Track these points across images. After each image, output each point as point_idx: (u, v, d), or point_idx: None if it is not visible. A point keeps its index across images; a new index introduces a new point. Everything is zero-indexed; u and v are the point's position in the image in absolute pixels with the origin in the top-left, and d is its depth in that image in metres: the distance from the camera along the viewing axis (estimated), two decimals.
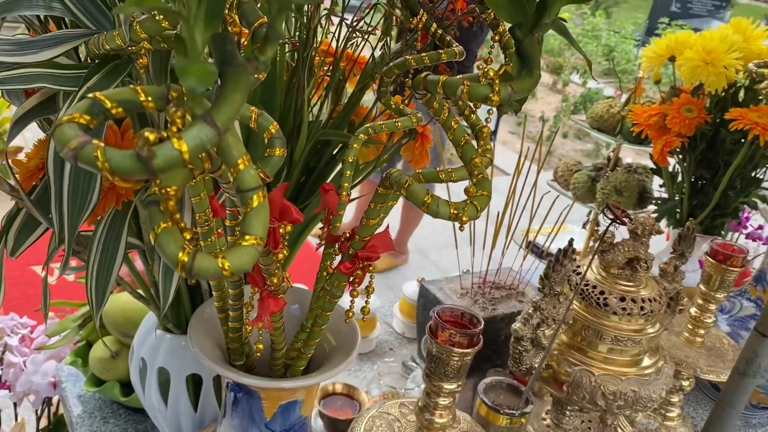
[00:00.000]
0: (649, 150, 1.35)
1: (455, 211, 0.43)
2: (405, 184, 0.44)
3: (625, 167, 1.49)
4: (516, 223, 1.21)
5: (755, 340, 0.88)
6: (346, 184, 0.60)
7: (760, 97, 1.16)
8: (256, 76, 0.30)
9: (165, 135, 0.26)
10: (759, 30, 1.28)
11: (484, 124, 0.49)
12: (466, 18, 0.76)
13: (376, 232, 0.55)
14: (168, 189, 0.29)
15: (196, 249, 0.29)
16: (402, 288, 1.33)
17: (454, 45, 0.69)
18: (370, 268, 0.52)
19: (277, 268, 0.46)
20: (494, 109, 0.46)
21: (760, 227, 1.44)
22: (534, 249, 1.43)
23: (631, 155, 4.44)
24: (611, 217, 0.71)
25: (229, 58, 0.28)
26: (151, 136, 0.26)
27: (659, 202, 1.38)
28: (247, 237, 0.30)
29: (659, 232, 0.91)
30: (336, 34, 0.76)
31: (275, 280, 0.46)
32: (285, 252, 0.45)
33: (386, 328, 1.33)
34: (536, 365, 0.87)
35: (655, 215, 1.38)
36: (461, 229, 0.44)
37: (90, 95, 0.27)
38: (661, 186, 1.42)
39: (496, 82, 0.40)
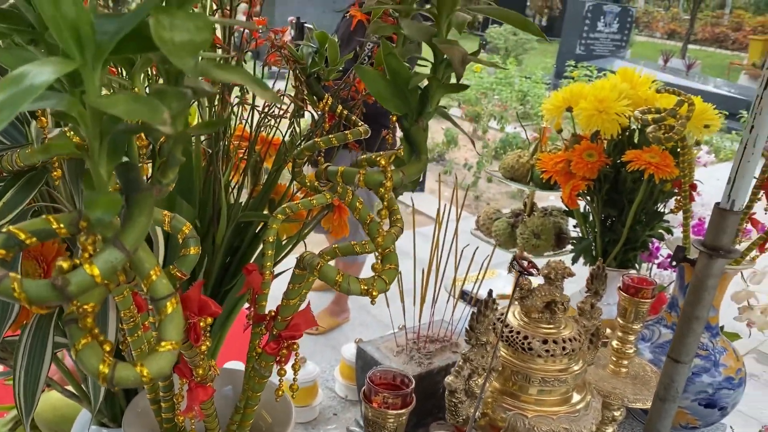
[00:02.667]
0: (560, 194, 1.44)
1: (365, 287, 0.47)
2: (317, 266, 0.47)
3: (541, 211, 1.57)
4: (442, 274, 1.26)
5: (670, 366, 0.94)
6: (268, 263, 0.62)
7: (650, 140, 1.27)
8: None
9: (78, 262, 0.29)
10: (644, 77, 1.41)
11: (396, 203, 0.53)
12: (369, 97, 0.82)
13: (298, 310, 0.58)
14: (85, 307, 0.31)
15: (116, 360, 0.31)
16: (341, 351, 1.35)
17: (360, 124, 0.73)
18: (295, 347, 0.54)
19: (201, 359, 0.48)
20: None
21: (669, 256, 1.54)
22: (464, 296, 1.47)
23: (548, 198, 4.61)
24: (519, 269, 0.76)
25: (134, 185, 0.31)
26: (65, 264, 0.28)
27: (575, 241, 1.46)
28: (163, 343, 0.32)
29: (571, 274, 0.97)
30: (249, 120, 0.80)
31: (201, 371, 0.47)
32: (208, 343, 0.47)
33: (329, 393, 1.34)
34: (471, 415, 0.90)
35: (572, 254, 1.46)
36: (372, 303, 0.47)
37: (4, 230, 0.30)
38: (575, 226, 1.51)
39: (388, 169, 0.45)
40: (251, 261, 0.79)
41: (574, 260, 1.46)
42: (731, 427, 1.51)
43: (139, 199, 0.31)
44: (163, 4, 0.27)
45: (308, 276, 0.52)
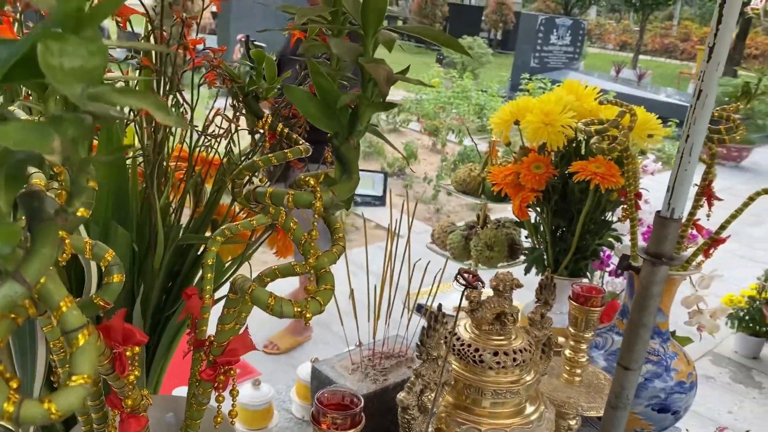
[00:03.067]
0: (510, 206, 1.45)
1: (299, 309, 0.46)
2: (248, 289, 0.47)
3: (494, 223, 1.59)
4: (395, 288, 1.26)
5: (620, 373, 0.95)
6: (207, 287, 0.61)
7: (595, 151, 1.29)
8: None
9: None
10: (588, 89, 1.44)
11: (339, 221, 0.53)
12: None
13: (237, 334, 0.57)
14: None
15: (23, 396, 0.30)
16: (297, 371, 1.33)
17: (301, 142, 0.73)
18: (232, 372, 0.53)
19: (131, 389, 0.46)
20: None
21: None
22: (419, 310, 1.47)
23: (505, 209, 4.66)
24: (464, 283, 0.76)
25: (37, 215, 0.30)
26: None
27: (527, 252, 1.48)
28: (74, 377, 0.31)
29: (519, 285, 0.98)
30: (185, 139, 0.79)
31: (130, 402, 0.46)
32: (137, 372, 0.46)
33: (285, 414, 1.32)
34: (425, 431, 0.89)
35: (525, 265, 1.48)
36: (306, 324, 0.47)
37: None
38: (527, 237, 1.53)
39: (318, 190, 0.44)
40: (193, 285, 0.78)
41: (527, 270, 1.47)
42: (687, 430, 1.53)
43: (43, 230, 0.30)
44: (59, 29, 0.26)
45: (241, 300, 0.51)
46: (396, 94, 8.94)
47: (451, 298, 1.63)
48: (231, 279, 0.50)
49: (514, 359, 0.94)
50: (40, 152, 0.24)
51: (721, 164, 8.21)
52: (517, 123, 1.40)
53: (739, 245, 4.98)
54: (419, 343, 0.88)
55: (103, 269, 0.44)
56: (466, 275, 0.76)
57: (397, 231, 1.24)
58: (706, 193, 1.20)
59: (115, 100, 0.27)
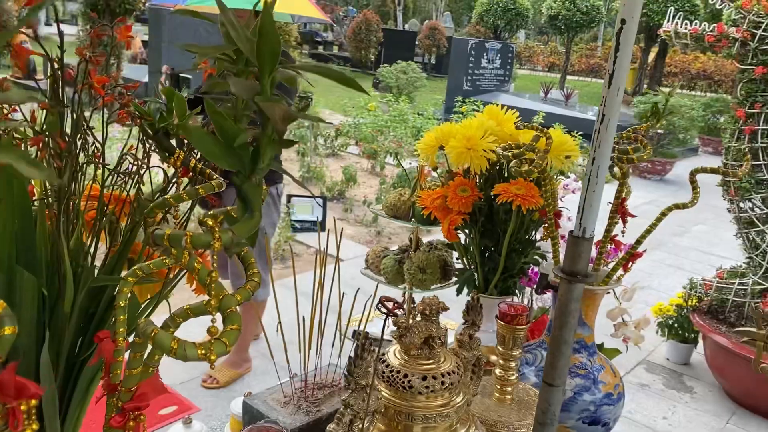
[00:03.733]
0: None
1: (203, 352, 0.45)
2: (151, 334, 0.46)
3: (426, 246, 1.61)
4: (325, 317, 1.26)
5: (546, 390, 0.97)
6: (120, 329, 0.60)
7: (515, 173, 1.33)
8: None
9: None
10: (508, 115, 1.48)
11: (253, 257, 0.53)
12: None
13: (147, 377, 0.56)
14: None
15: None
16: (230, 406, 1.30)
17: (215, 177, 0.73)
18: (142, 417, 0.52)
19: None
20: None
21: None
22: (353, 336, 1.47)
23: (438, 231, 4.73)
24: (385, 311, 0.77)
25: None
26: None
27: (458, 273, 1.50)
28: None
29: (445, 308, 0.99)
30: (97, 178, 0.77)
31: None
32: (35, 426, 0.44)
33: None
34: None
35: (456, 285, 1.50)
36: (211, 367, 0.46)
37: None
38: (458, 258, 1.55)
39: (216, 229, 0.44)
40: (108, 327, 0.75)
41: (459, 291, 1.50)
42: None
43: None
44: None
45: (146, 344, 0.50)
46: (334, 118, 8.97)
47: (387, 323, 1.63)
48: (135, 324, 0.49)
49: (443, 382, 0.95)
50: None
51: (646, 178, 8.58)
52: (442, 148, 1.43)
53: (667, 254, 5.19)
54: (347, 373, 0.88)
55: None
56: (387, 303, 0.76)
57: (336, 256, 1.25)
58: (620, 210, 1.25)
59: None
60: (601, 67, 25.44)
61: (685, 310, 3.28)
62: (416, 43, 18.68)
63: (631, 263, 1.30)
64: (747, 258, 3.10)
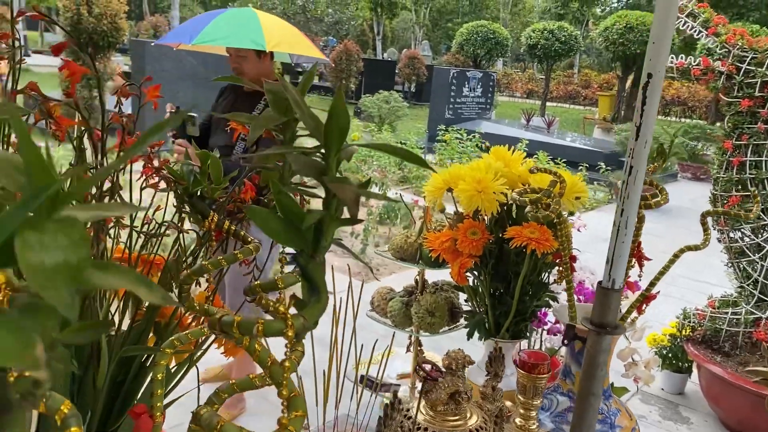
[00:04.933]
0: (449, 270, 1.47)
1: None
2: (217, 425, 0.44)
3: (432, 287, 1.59)
4: (344, 366, 1.23)
5: None
6: (158, 404, 0.57)
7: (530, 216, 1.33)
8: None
9: None
10: (515, 155, 1.49)
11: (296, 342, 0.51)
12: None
13: None
14: None
15: None
16: None
17: (250, 240, 0.71)
18: None
19: None
20: None
21: (557, 322, 1.60)
22: (369, 385, 1.44)
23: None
24: (424, 375, 0.75)
25: (2, 405, 0.27)
26: None
27: (467, 316, 1.49)
28: None
29: (471, 362, 0.98)
30: (127, 241, 0.75)
31: None
32: None
33: None
34: None
35: (466, 329, 1.48)
36: None
37: None
38: (466, 300, 1.54)
39: (289, 316, 0.43)
40: (138, 396, 0.73)
41: (469, 335, 1.48)
42: None
43: (11, 420, 0.27)
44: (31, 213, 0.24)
45: None
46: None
47: (395, 365, 1.61)
48: (194, 411, 0.47)
49: None
50: (21, 366, 0.21)
51: None
52: (449, 190, 1.43)
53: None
54: None
55: (58, 422, 0.40)
56: (425, 366, 0.75)
57: (336, 300, 1.22)
58: (636, 254, 1.25)
59: (99, 282, 0.25)
60: (578, 93, 25.88)
61: (679, 339, 3.28)
62: (396, 71, 18.86)
63: (645, 305, 1.30)
64: (739, 287, 3.12)
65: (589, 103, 23.38)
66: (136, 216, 0.72)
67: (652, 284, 1.28)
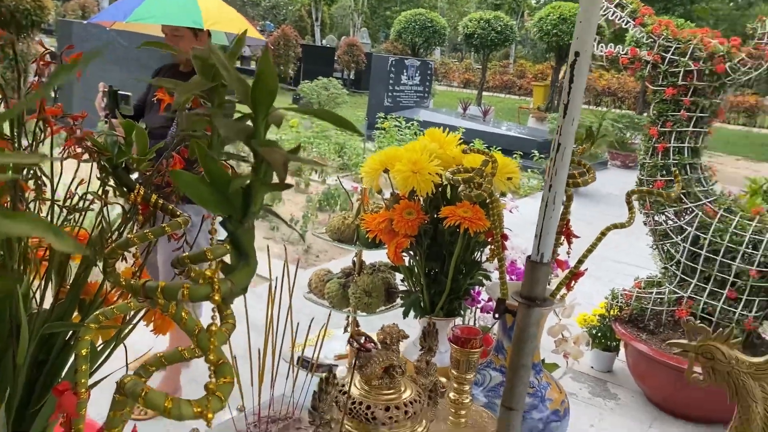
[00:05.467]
0: (386, 251, 1.48)
1: (199, 409, 0.43)
2: (141, 392, 0.43)
3: (369, 268, 1.60)
4: (280, 347, 1.23)
5: (505, 414, 0.98)
6: (83, 380, 0.56)
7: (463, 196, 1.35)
8: None
9: None
10: (450, 137, 1.51)
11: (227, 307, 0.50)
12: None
13: None
14: None
15: None
16: None
17: (178, 213, 0.69)
18: None
19: None
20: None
21: (490, 300, 1.64)
22: (304, 365, 1.44)
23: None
24: (357, 347, 0.76)
25: None
26: None
27: (404, 295, 1.50)
28: None
29: (405, 336, 0.99)
30: (49, 214, 0.72)
31: None
32: None
33: None
34: None
35: (402, 308, 1.50)
36: (208, 425, 0.44)
37: None
38: (402, 280, 1.55)
39: (216, 280, 0.42)
40: (62, 375, 0.70)
41: (405, 314, 1.50)
42: None
43: None
44: None
45: (131, 403, 0.47)
46: None
47: (332, 346, 1.61)
48: (118, 380, 0.46)
49: (406, 412, 0.94)
50: None
51: None
52: (386, 171, 1.43)
53: (585, 265, 5.40)
54: (312, 409, 0.86)
55: None
56: (359, 338, 0.75)
57: (273, 281, 1.22)
58: (565, 232, 1.29)
59: (7, 231, 0.24)
60: (513, 83, 26.41)
61: (607, 319, 3.42)
62: (335, 58, 18.74)
63: (574, 282, 1.34)
64: (663, 268, 3.27)
65: (524, 93, 23.88)
66: (56, 188, 0.69)
67: (580, 261, 1.32)
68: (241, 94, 0.46)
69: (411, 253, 1.47)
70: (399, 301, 1.56)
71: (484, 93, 17.93)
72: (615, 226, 1.34)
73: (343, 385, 0.96)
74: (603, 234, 1.32)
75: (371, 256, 1.63)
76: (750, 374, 1.33)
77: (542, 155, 8.97)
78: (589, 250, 1.32)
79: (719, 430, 3.02)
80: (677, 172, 1.60)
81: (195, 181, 0.45)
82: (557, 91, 15.03)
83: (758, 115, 23.38)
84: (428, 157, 1.37)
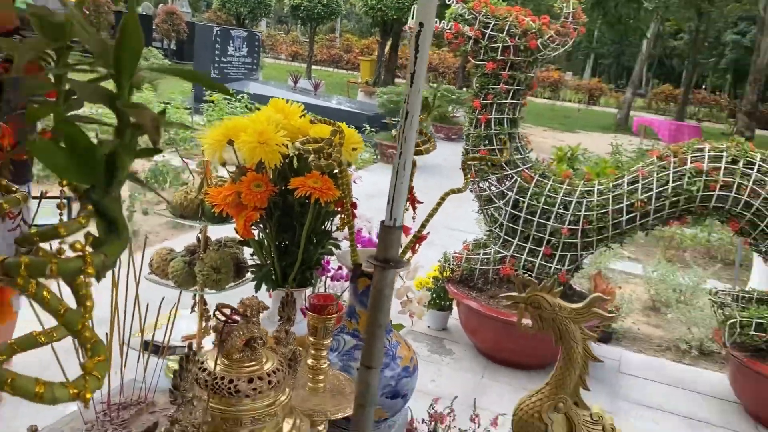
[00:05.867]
0: (233, 225, 1.45)
1: (77, 390, 0.40)
2: (8, 380, 0.39)
3: (216, 244, 1.56)
4: (129, 332, 1.17)
5: (364, 373, 1.02)
6: None
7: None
8: None
9: None
10: (293, 108, 1.50)
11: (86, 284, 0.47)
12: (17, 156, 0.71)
13: None
14: None
15: None
16: None
17: (14, 189, 0.64)
18: None
19: None
20: None
21: (340, 268, 1.67)
22: (155, 350, 1.38)
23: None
24: (223, 319, 0.74)
25: None
26: None
27: (254, 269, 1.49)
28: None
29: (265, 308, 0.99)
30: None
31: None
32: None
33: None
34: None
35: (254, 282, 1.49)
36: (86, 406, 0.41)
37: None
38: (252, 254, 1.53)
39: (87, 254, 0.40)
40: None
41: (257, 287, 1.48)
42: (409, 407, 1.70)
43: None
44: None
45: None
46: None
47: (179, 327, 1.56)
48: None
49: (269, 382, 0.94)
50: None
51: (388, 163, 9.26)
52: (230, 143, 1.40)
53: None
54: (173, 388, 0.83)
55: None
56: (224, 310, 0.74)
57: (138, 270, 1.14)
58: (409, 198, 1.35)
59: None
60: (341, 57, 26.66)
61: (441, 281, 3.63)
62: (153, 27, 17.60)
63: (418, 245, 1.41)
64: (488, 231, 3.54)
65: (351, 68, 24.22)
66: None
67: (423, 225, 1.40)
68: (101, 54, 0.43)
69: (261, 226, 1.46)
70: (249, 275, 1.54)
71: (314, 67, 17.91)
72: (453, 191, 1.43)
73: (203, 362, 0.94)
74: (442, 199, 1.40)
75: (215, 232, 1.59)
76: (571, 319, 1.50)
77: (373, 128, 9.20)
78: (431, 215, 1.40)
79: (541, 373, 3.36)
80: (506, 139, 1.73)
81: (53, 150, 0.42)
82: (383, 66, 15.41)
83: (561, 90, 25.87)
84: (275, 128, 1.35)
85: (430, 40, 0.92)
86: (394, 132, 9.47)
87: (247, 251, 1.59)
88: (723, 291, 3.40)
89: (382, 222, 0.97)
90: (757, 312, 3.05)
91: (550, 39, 3.21)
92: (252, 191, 1.35)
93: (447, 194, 1.42)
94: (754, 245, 3.16)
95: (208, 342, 1.56)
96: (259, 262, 1.51)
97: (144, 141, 0.43)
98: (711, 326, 3.79)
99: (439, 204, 1.40)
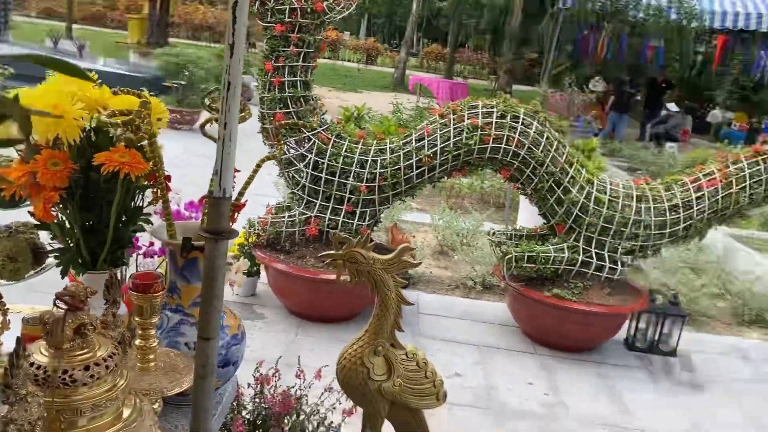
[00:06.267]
0: (25, 210, 1.33)
1: None
2: None
3: (6, 231, 1.41)
4: None
5: (203, 345, 1.03)
6: None
7: (116, 140, 1.29)
8: None
9: None
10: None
11: None
12: None
13: None
14: None
15: None
16: None
17: None
18: None
19: None
20: None
21: (152, 244, 1.62)
22: None
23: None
24: (66, 308, 0.71)
25: None
26: None
27: (57, 254, 1.38)
28: None
29: (93, 292, 0.94)
30: None
31: None
32: None
33: None
34: None
35: (59, 268, 1.38)
36: None
37: None
38: (52, 239, 1.42)
39: None
40: None
41: (64, 273, 1.39)
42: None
43: None
44: None
45: None
46: None
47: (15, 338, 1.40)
48: None
49: (107, 366, 0.91)
50: None
51: (177, 129, 8.83)
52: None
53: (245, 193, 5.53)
54: (5, 387, 0.77)
55: None
56: (66, 297, 0.71)
57: None
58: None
59: None
60: (104, 15, 24.37)
61: (247, 247, 3.63)
62: None
63: (237, 213, 1.42)
64: (290, 193, 3.60)
65: (119, 27, 22.27)
66: None
67: (240, 194, 1.41)
68: None
69: (60, 206, 1.35)
70: (51, 261, 1.42)
71: (76, 26, 16.16)
72: (268, 158, 1.45)
73: (30, 355, 0.88)
74: (258, 166, 1.42)
75: (2, 218, 1.44)
76: (384, 269, 1.64)
77: (152, 93, 8.63)
78: (248, 183, 1.41)
79: (351, 324, 3.55)
80: (322, 102, 1.78)
81: None
82: (156, 25, 14.42)
83: (339, 49, 26.39)
84: (71, 100, 1.25)
85: (247, 11, 0.93)
86: (177, 97, 9.01)
87: (44, 236, 1.46)
88: (499, 231, 3.85)
89: (211, 193, 0.98)
90: (528, 246, 3.52)
91: (335, 2, 3.29)
92: (49, 170, 1.24)
93: (263, 161, 1.44)
94: (521, 189, 3.61)
95: (8, 338, 1.42)
96: (61, 245, 1.41)
97: None
98: (491, 263, 4.28)
99: (255, 171, 1.42)
